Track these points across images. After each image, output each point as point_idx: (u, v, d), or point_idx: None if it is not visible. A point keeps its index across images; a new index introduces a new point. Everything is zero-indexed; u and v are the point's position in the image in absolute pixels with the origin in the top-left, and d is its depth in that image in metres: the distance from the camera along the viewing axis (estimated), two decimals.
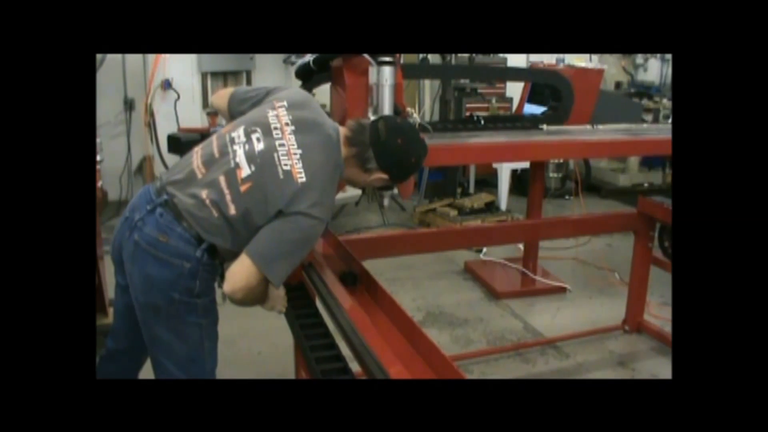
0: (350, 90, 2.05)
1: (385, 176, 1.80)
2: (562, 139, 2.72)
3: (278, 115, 1.78)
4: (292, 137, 1.73)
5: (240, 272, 1.65)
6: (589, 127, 2.95)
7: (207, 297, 1.81)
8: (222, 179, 1.71)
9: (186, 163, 1.81)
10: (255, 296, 1.73)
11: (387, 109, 2.00)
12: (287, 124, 1.75)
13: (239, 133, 1.77)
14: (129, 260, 1.78)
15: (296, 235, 1.68)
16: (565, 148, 2.82)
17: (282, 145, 1.72)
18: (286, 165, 1.69)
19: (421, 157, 1.84)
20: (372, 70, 2.02)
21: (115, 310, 2.01)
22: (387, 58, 1.99)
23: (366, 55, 2.00)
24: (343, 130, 1.81)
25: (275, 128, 1.75)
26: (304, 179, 1.67)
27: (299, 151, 1.71)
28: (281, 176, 1.68)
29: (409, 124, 1.88)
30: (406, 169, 1.84)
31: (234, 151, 1.74)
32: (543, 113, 3.00)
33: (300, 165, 1.69)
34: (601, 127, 2.97)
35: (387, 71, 1.99)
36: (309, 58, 2.29)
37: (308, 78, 2.36)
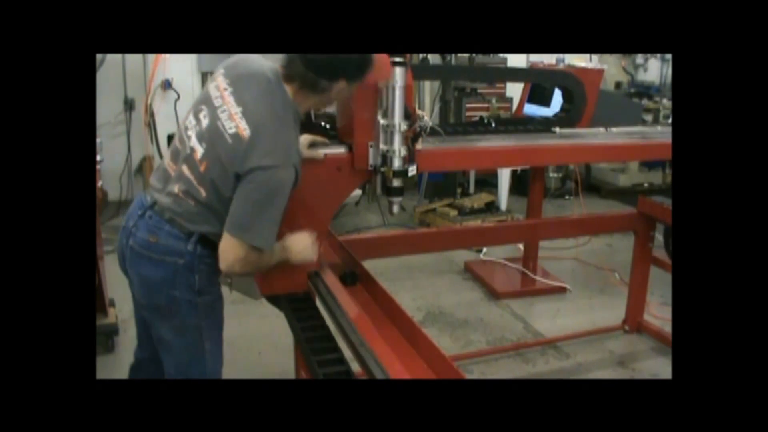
0: (358, 92, 1.94)
1: (342, 84, 1.74)
2: (578, 142, 2.62)
3: (217, 84, 1.76)
4: (231, 98, 1.70)
5: (225, 248, 1.66)
6: (602, 130, 2.83)
7: (209, 295, 1.81)
8: (185, 168, 1.73)
9: (162, 164, 1.86)
10: (256, 263, 1.72)
11: (398, 112, 1.90)
12: (225, 89, 1.73)
13: (190, 119, 1.78)
14: (129, 266, 1.81)
15: (259, 194, 1.65)
16: (582, 152, 2.72)
17: (224, 111, 1.70)
18: (231, 128, 1.67)
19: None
20: None
21: (135, 319, 2.04)
22: (398, 59, 1.88)
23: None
24: (280, 71, 1.76)
25: (216, 98, 1.73)
26: (248, 133, 1.64)
27: (239, 109, 1.68)
28: (230, 141, 1.66)
29: None
30: (354, 66, 1.72)
31: (189, 137, 1.75)
32: (555, 115, 2.91)
33: (244, 122, 1.66)
34: (614, 130, 2.88)
35: (398, 72, 1.88)
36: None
37: None
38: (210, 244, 1.74)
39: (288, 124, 1.72)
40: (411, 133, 1.95)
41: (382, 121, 1.92)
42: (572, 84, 2.70)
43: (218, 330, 1.90)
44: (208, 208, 1.72)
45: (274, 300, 2.12)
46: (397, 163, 1.94)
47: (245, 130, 1.65)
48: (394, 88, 1.88)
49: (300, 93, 1.74)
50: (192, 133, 1.75)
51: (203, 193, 1.70)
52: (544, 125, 2.76)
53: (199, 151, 1.71)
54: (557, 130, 2.67)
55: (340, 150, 2.05)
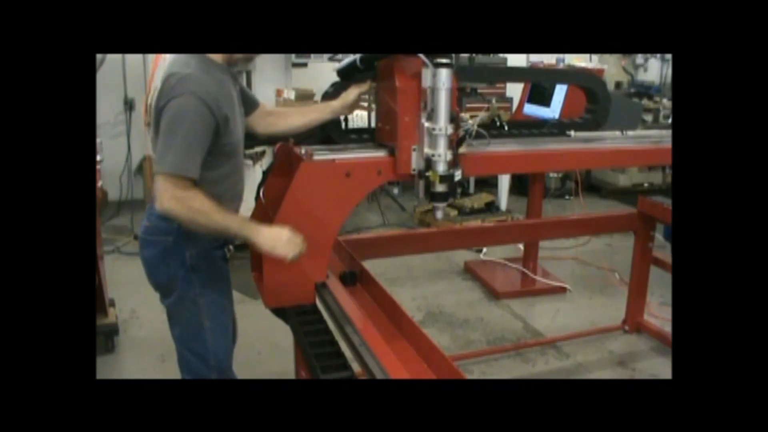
0: (401, 93, 1.88)
1: None
2: (599, 147, 2.50)
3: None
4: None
5: (155, 186, 1.71)
6: (618, 134, 2.70)
7: (205, 273, 1.88)
8: (153, 154, 1.85)
9: None
10: (187, 202, 1.68)
11: (443, 116, 1.83)
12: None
13: None
14: (140, 254, 1.95)
15: (165, 126, 1.68)
16: (603, 157, 2.59)
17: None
18: (154, 96, 1.86)
19: None
20: (426, 73, 1.82)
21: None
22: (444, 60, 1.78)
23: (422, 56, 1.81)
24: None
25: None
26: (158, 85, 1.77)
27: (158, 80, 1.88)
28: (153, 103, 1.79)
29: None
30: None
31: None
32: (581, 118, 2.74)
33: (158, 81, 1.80)
34: (630, 133, 2.73)
35: (444, 74, 1.79)
36: (356, 56, 2.14)
37: (350, 77, 2.21)
38: None
39: (195, 66, 1.73)
40: (455, 137, 1.89)
41: (426, 125, 1.85)
42: (596, 84, 2.56)
43: (220, 310, 1.93)
44: None
45: (279, 312, 2.05)
46: (442, 168, 1.86)
47: (157, 88, 1.77)
48: (439, 90, 1.81)
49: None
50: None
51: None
52: (557, 128, 2.64)
53: (151, 132, 1.89)
54: (572, 134, 2.57)
55: (348, 155, 2.00)
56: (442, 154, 1.85)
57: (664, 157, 2.76)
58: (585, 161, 2.84)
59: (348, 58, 2.23)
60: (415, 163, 1.93)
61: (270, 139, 2.23)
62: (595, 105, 2.54)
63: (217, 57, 1.81)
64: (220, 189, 1.83)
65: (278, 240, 1.75)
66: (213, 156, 1.76)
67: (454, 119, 1.86)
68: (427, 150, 1.87)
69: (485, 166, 2.32)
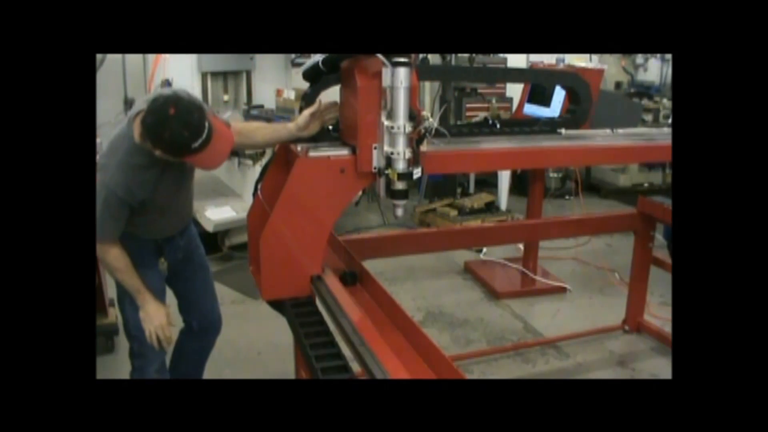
0: (362, 93, 1.89)
1: (159, 152, 1.89)
2: (584, 144, 2.54)
3: None
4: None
5: None
6: (608, 131, 2.75)
7: (131, 259, 2.17)
8: None
9: None
10: (105, 259, 2.11)
11: (402, 114, 1.85)
12: None
13: None
14: None
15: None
16: (588, 154, 2.64)
17: None
18: None
19: (177, 134, 1.81)
20: (386, 72, 1.83)
21: None
22: (402, 59, 1.80)
23: (380, 56, 1.82)
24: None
25: None
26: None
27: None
28: None
29: (179, 101, 1.85)
30: (165, 145, 1.85)
31: None
32: (560, 117, 2.80)
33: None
34: (620, 131, 2.79)
35: (402, 73, 1.81)
36: (318, 58, 2.15)
37: (316, 80, 2.24)
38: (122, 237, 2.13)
39: (120, 155, 1.99)
40: (416, 135, 1.90)
41: (386, 123, 1.88)
42: (579, 85, 2.63)
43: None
44: None
45: (276, 305, 2.10)
46: (401, 166, 1.89)
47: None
48: (398, 89, 1.83)
49: (143, 136, 1.94)
50: None
51: None
52: (549, 126, 2.70)
53: None
54: (563, 131, 2.62)
55: (343, 152, 2.02)
56: (400, 152, 1.88)
57: (652, 154, 2.86)
58: (564, 159, 2.90)
59: (310, 60, 2.24)
60: (376, 161, 1.96)
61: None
62: (577, 104, 2.61)
63: (147, 145, 1.92)
64: (141, 228, 2.17)
65: (152, 318, 2.17)
66: (135, 210, 2.07)
67: (413, 117, 1.88)
68: (386, 148, 1.91)
69: (446, 165, 2.37)
